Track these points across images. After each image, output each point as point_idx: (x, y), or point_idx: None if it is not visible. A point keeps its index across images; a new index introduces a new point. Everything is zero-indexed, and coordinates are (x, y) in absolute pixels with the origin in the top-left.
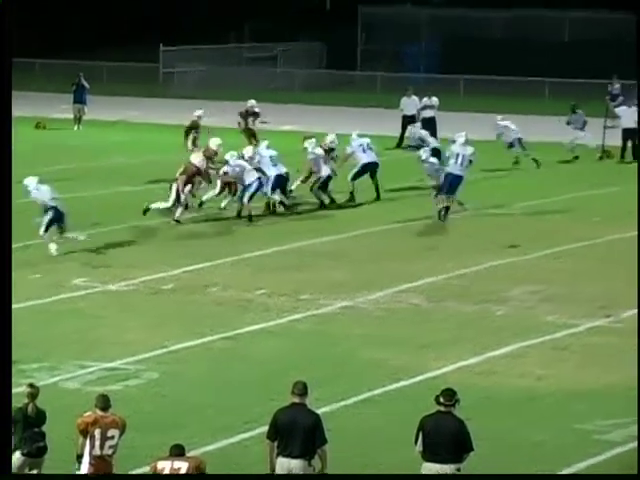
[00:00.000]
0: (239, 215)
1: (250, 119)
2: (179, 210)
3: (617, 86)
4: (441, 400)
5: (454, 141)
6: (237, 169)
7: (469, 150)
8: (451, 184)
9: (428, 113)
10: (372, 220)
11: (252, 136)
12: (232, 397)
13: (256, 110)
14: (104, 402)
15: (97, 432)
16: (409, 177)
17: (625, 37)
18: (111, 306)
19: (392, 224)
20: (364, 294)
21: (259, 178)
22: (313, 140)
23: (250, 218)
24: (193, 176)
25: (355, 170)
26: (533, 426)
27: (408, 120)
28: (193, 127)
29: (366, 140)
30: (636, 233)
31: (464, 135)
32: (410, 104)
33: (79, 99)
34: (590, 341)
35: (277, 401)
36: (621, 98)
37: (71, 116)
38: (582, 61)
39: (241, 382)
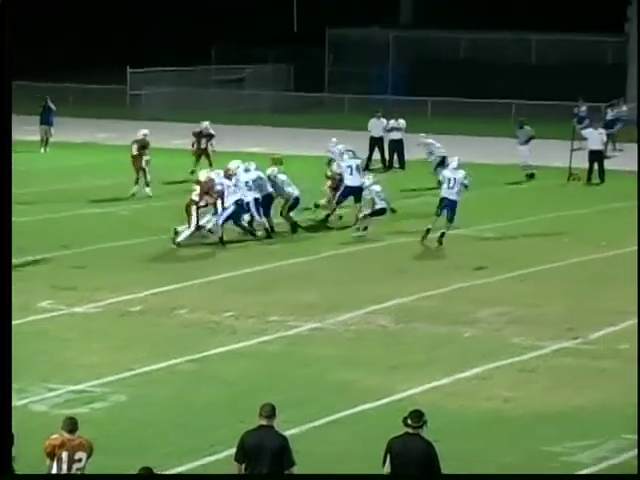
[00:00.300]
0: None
1: (203, 140)
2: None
3: (583, 108)
4: (409, 422)
5: (446, 165)
6: (219, 187)
7: (461, 174)
8: (445, 209)
9: (395, 135)
10: (340, 242)
11: (206, 157)
12: (199, 419)
13: (211, 132)
14: (71, 425)
15: (64, 455)
16: None
17: (591, 59)
18: (78, 328)
19: (359, 246)
20: (333, 316)
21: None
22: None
23: (221, 241)
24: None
25: (339, 194)
26: (501, 448)
27: (375, 142)
28: (143, 146)
29: (356, 161)
30: (597, 255)
31: (456, 159)
32: (378, 126)
33: (46, 121)
34: (557, 363)
35: (245, 423)
36: (587, 120)
37: (37, 138)
38: (548, 83)
39: (208, 404)
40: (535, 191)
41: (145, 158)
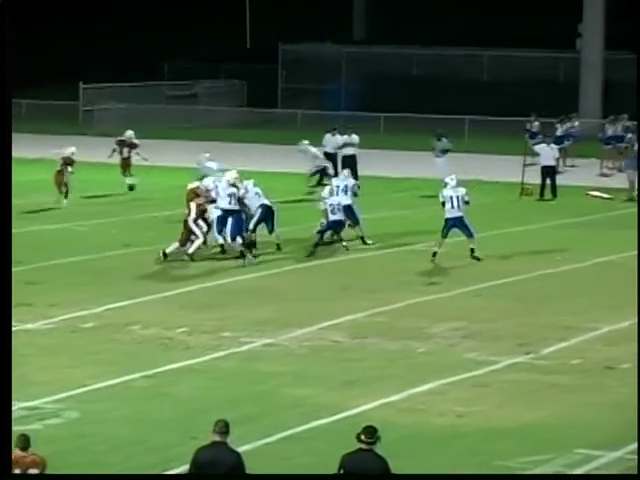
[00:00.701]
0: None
1: (125, 149)
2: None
3: (536, 124)
4: (362, 438)
5: (445, 185)
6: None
7: (461, 191)
8: (456, 228)
9: (349, 151)
10: (293, 259)
11: (127, 166)
12: (153, 436)
13: (134, 141)
14: (23, 442)
15: (17, 472)
16: None
17: (544, 76)
18: (31, 345)
19: (312, 262)
20: (287, 332)
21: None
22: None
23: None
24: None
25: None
26: (455, 463)
27: (329, 157)
28: (67, 163)
29: (349, 182)
30: (549, 271)
31: (454, 178)
32: (333, 142)
33: None
34: (511, 378)
35: (199, 440)
36: (540, 136)
37: None
38: (501, 100)
39: (162, 421)
40: (488, 206)
41: (67, 174)
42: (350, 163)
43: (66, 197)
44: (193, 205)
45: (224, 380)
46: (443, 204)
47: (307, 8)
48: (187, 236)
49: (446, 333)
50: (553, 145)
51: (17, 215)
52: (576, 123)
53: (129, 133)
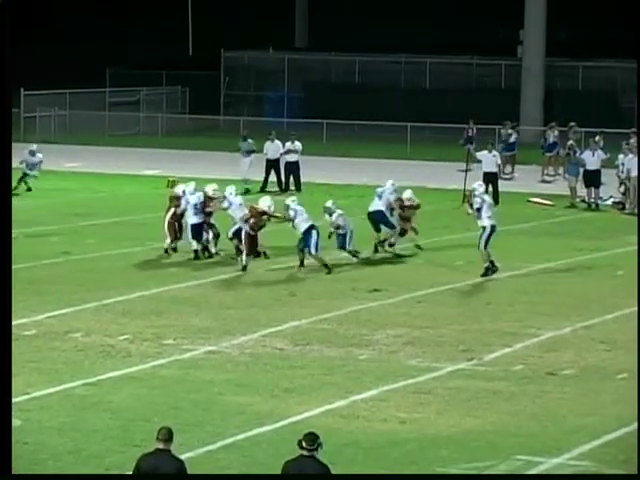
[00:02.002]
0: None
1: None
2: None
3: (474, 129)
4: (303, 444)
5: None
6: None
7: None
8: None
9: (292, 157)
10: (230, 266)
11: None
12: (94, 444)
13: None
14: None
15: None
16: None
17: (485, 83)
18: None
19: (252, 270)
20: (228, 339)
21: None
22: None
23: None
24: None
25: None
26: (397, 470)
27: (271, 164)
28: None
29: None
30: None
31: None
32: (273, 148)
33: None
34: (453, 384)
35: (141, 447)
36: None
37: None
38: (443, 106)
39: (103, 428)
40: (431, 213)
41: None
42: (293, 169)
43: None
44: (172, 209)
45: (165, 388)
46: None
47: (249, 15)
48: (178, 230)
49: (388, 340)
50: (495, 152)
51: None
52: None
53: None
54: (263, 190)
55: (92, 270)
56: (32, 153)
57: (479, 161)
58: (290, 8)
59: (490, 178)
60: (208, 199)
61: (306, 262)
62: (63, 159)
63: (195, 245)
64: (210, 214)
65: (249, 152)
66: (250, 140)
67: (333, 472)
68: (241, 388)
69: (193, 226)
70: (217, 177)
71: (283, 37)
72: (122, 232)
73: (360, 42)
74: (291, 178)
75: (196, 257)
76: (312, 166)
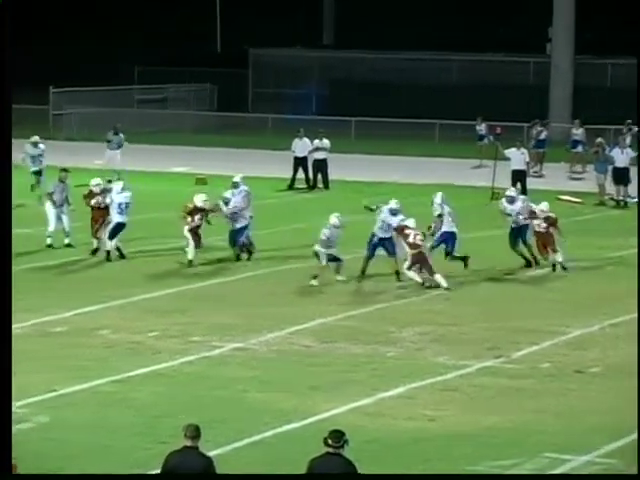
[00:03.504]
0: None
1: None
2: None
3: (483, 126)
4: (329, 442)
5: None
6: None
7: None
8: (446, 241)
9: (320, 155)
10: (255, 263)
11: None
12: (120, 440)
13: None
14: None
15: None
16: (299, 219)
17: (513, 80)
18: None
19: (279, 267)
20: (255, 336)
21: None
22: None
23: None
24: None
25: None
26: (424, 468)
27: (299, 162)
28: None
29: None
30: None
31: (440, 195)
32: (302, 146)
33: None
34: (480, 382)
35: (168, 444)
36: (486, 139)
37: None
38: (470, 104)
39: (129, 425)
40: (459, 211)
41: None
42: (321, 167)
43: None
44: (196, 217)
45: (192, 385)
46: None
47: (277, 13)
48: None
49: (414, 337)
50: (523, 149)
51: None
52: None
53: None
54: (291, 188)
55: (119, 267)
56: (35, 144)
57: (507, 159)
58: (318, 5)
59: (518, 176)
60: (196, 210)
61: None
62: (91, 156)
63: (109, 245)
64: (199, 227)
65: (119, 146)
66: (121, 134)
67: (358, 470)
68: (267, 385)
69: (117, 225)
70: (244, 174)
71: (311, 35)
72: (149, 229)
73: (388, 39)
74: (319, 176)
75: (107, 257)
76: (340, 164)
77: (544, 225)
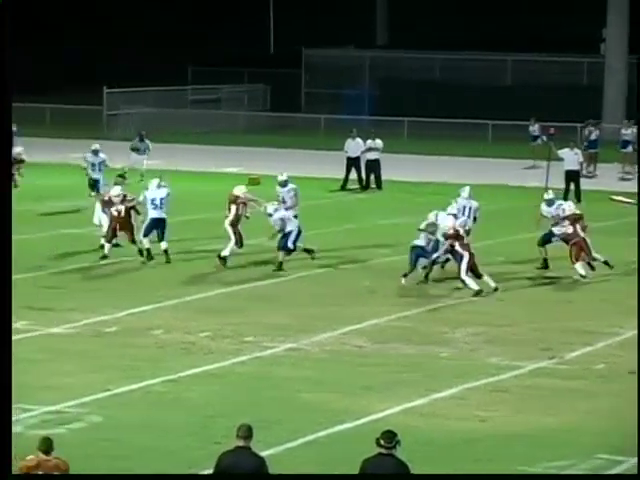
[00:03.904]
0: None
1: (16, 166)
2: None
3: (536, 127)
4: (381, 442)
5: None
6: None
7: (475, 204)
8: None
9: (372, 155)
10: (311, 264)
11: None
12: (173, 440)
13: (23, 158)
14: (47, 445)
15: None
16: (351, 219)
17: (567, 80)
18: (53, 349)
19: (330, 267)
20: (308, 336)
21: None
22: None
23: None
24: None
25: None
26: (476, 469)
27: (352, 162)
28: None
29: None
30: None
31: (468, 190)
32: (354, 146)
33: None
34: (533, 383)
35: (222, 444)
36: (540, 139)
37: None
38: (524, 104)
39: (183, 425)
40: (513, 211)
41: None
42: (373, 167)
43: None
44: (233, 208)
45: (245, 385)
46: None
47: (330, 13)
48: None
49: (468, 338)
50: (576, 149)
51: (37, 219)
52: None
53: (18, 149)
54: (343, 188)
55: (172, 267)
56: (95, 152)
57: (561, 159)
58: (371, 5)
59: (572, 176)
60: (235, 199)
61: (384, 261)
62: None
63: (145, 243)
64: (239, 219)
65: (145, 151)
66: (147, 140)
67: (411, 470)
68: (320, 385)
69: (152, 221)
70: (296, 174)
71: (364, 35)
72: (201, 229)
73: (440, 39)
74: (372, 176)
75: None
76: (393, 164)
77: (570, 227)
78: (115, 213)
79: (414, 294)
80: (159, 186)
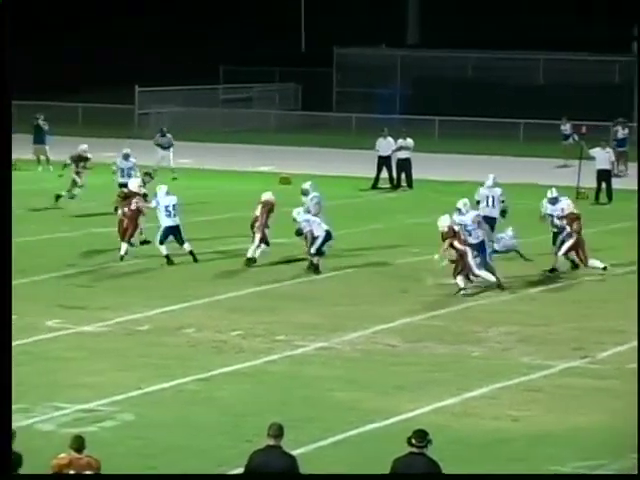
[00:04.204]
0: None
1: (81, 164)
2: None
3: (567, 126)
4: (413, 441)
5: (482, 184)
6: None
7: (498, 191)
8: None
9: (403, 154)
10: (341, 263)
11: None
12: (205, 439)
13: (87, 155)
14: (79, 443)
15: (72, 474)
16: (382, 218)
17: (599, 79)
18: (85, 348)
19: (363, 267)
20: (339, 335)
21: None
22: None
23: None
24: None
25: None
26: (508, 468)
27: (383, 161)
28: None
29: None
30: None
31: (492, 178)
32: (385, 145)
33: (38, 140)
34: (565, 382)
35: (252, 443)
36: (571, 138)
37: (51, 157)
38: (556, 103)
39: (214, 424)
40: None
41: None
42: (404, 167)
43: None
44: (263, 211)
45: (276, 384)
46: (478, 202)
47: (362, 12)
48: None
49: (500, 337)
50: (608, 148)
51: (68, 219)
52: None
53: (83, 147)
54: (375, 187)
55: (203, 266)
56: (126, 157)
57: (592, 158)
58: (403, 4)
59: (603, 175)
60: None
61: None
62: (175, 155)
63: (163, 250)
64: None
65: (169, 145)
66: (169, 134)
67: (443, 470)
68: (351, 384)
69: (167, 229)
70: (327, 173)
71: (395, 34)
72: (233, 228)
73: (472, 38)
74: (402, 175)
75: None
76: (424, 163)
77: (567, 226)
78: (121, 213)
79: (446, 293)
80: (168, 193)
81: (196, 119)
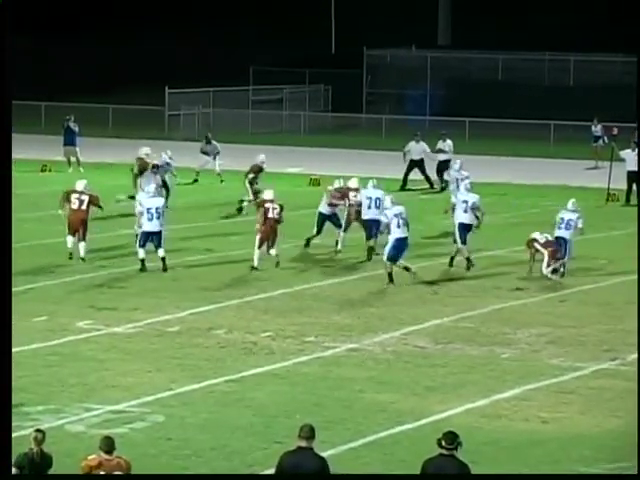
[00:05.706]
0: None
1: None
2: None
3: (598, 127)
4: (443, 443)
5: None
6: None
7: (575, 215)
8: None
9: (443, 157)
10: (371, 264)
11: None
12: (236, 440)
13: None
14: (108, 445)
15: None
16: (415, 219)
17: (628, 80)
18: (115, 349)
19: (394, 268)
20: (370, 336)
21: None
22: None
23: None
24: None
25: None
26: (539, 470)
27: (415, 164)
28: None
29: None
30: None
31: (571, 202)
32: (418, 149)
33: (69, 142)
34: (596, 384)
35: (283, 444)
36: (601, 140)
37: (81, 159)
38: (586, 104)
39: (245, 425)
40: None
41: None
42: (444, 168)
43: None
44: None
45: (307, 385)
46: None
47: (392, 13)
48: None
49: (531, 339)
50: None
51: (99, 220)
52: None
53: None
54: (403, 189)
55: (234, 267)
56: (169, 158)
57: (623, 160)
58: (433, 6)
59: (633, 177)
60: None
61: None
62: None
63: (141, 254)
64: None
65: (216, 153)
66: (214, 141)
67: (473, 471)
68: (382, 386)
69: (144, 234)
70: (357, 174)
71: (426, 35)
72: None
73: (503, 39)
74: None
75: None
76: None
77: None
78: (75, 206)
79: (476, 295)
80: (155, 195)
81: (226, 120)
